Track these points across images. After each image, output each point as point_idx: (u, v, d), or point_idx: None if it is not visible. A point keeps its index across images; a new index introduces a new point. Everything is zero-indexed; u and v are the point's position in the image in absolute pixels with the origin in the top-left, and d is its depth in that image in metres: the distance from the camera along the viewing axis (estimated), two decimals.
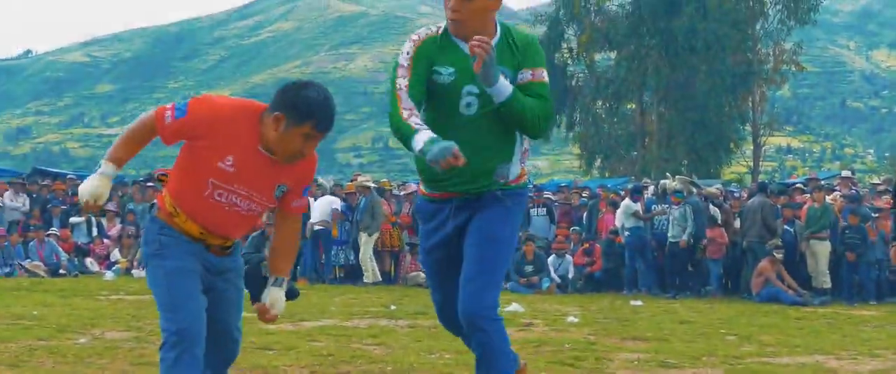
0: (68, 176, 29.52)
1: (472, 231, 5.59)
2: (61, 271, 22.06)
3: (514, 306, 14.76)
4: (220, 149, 5.14)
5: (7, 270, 21.72)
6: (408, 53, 5.49)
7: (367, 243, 21.45)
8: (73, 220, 24.47)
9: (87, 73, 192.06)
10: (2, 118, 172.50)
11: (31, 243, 22.57)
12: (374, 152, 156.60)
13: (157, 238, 5.31)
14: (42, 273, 21.56)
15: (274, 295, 5.45)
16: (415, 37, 5.59)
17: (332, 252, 22.40)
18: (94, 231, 24.38)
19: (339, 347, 9.75)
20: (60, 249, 22.77)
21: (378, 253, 21.89)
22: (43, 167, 41.18)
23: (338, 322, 12.42)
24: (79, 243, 23.99)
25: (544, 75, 5.48)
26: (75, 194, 25.23)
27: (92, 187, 5.10)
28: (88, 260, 23.48)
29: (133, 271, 22.57)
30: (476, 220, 5.61)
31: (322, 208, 22.50)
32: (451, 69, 5.43)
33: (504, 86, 5.27)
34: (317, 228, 22.33)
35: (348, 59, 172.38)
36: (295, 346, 9.66)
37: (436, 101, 5.48)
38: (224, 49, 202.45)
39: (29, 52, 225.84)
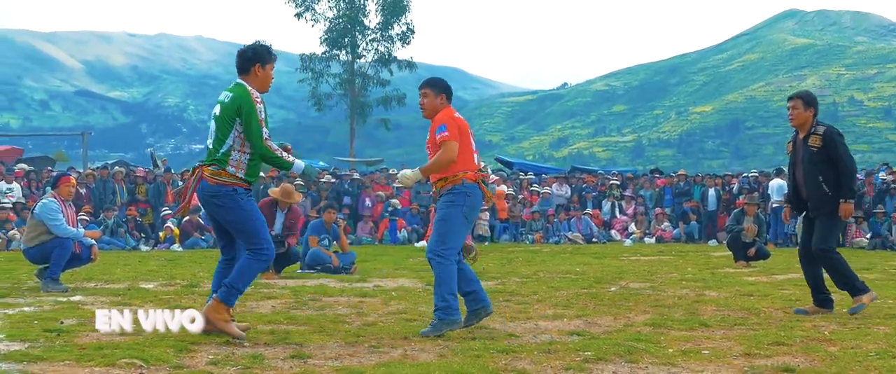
0: (598, 172, 30.06)
1: None
2: (593, 239, 22.57)
3: None
4: None
5: (555, 239, 22.48)
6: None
7: None
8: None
9: (607, 97, 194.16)
10: (549, 132, 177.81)
11: (572, 219, 23.23)
12: None
13: None
14: (580, 241, 22.15)
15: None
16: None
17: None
18: (616, 211, 24.71)
19: (804, 294, 9.36)
20: (593, 223, 23.28)
21: None
22: (578, 165, 42.23)
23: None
24: (605, 219, 24.43)
25: None
26: (602, 184, 25.79)
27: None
28: (613, 231, 23.85)
29: (645, 239, 22.78)
30: None
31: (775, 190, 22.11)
32: None
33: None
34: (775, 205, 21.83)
35: (801, 80, 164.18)
36: (769, 293, 9.48)
37: None
38: (706, 75, 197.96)
39: (565, 84, 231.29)
